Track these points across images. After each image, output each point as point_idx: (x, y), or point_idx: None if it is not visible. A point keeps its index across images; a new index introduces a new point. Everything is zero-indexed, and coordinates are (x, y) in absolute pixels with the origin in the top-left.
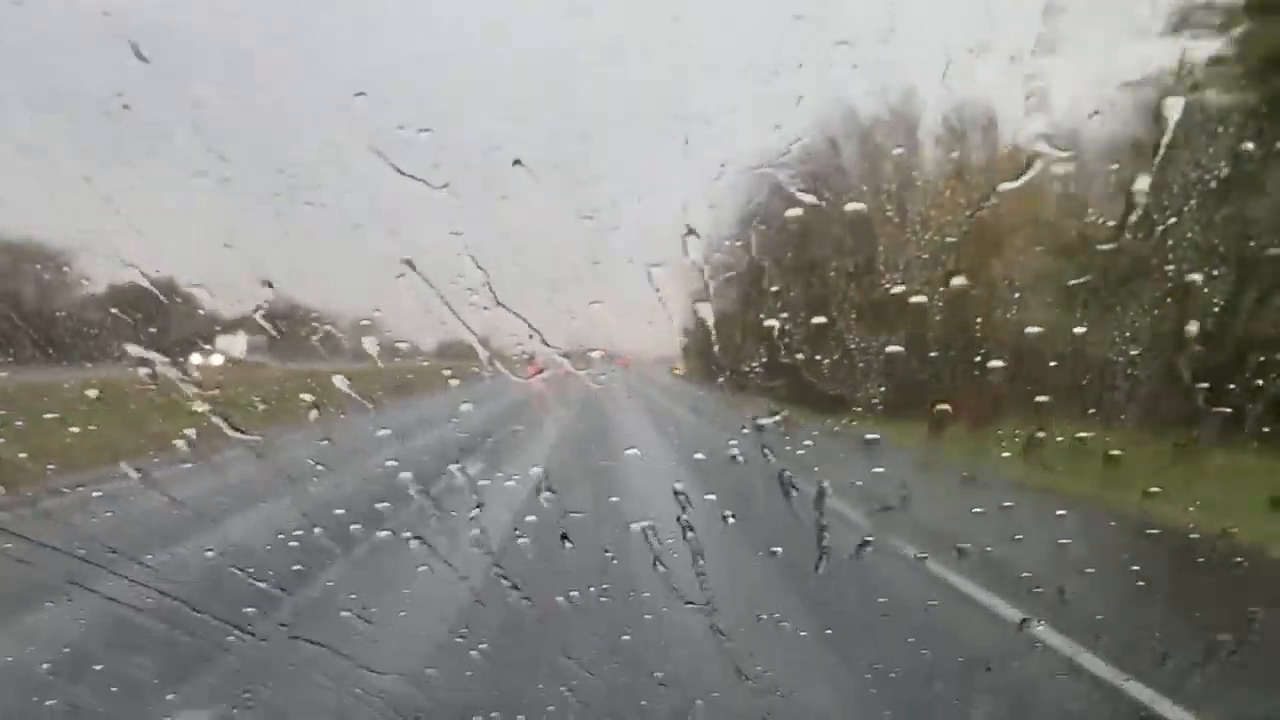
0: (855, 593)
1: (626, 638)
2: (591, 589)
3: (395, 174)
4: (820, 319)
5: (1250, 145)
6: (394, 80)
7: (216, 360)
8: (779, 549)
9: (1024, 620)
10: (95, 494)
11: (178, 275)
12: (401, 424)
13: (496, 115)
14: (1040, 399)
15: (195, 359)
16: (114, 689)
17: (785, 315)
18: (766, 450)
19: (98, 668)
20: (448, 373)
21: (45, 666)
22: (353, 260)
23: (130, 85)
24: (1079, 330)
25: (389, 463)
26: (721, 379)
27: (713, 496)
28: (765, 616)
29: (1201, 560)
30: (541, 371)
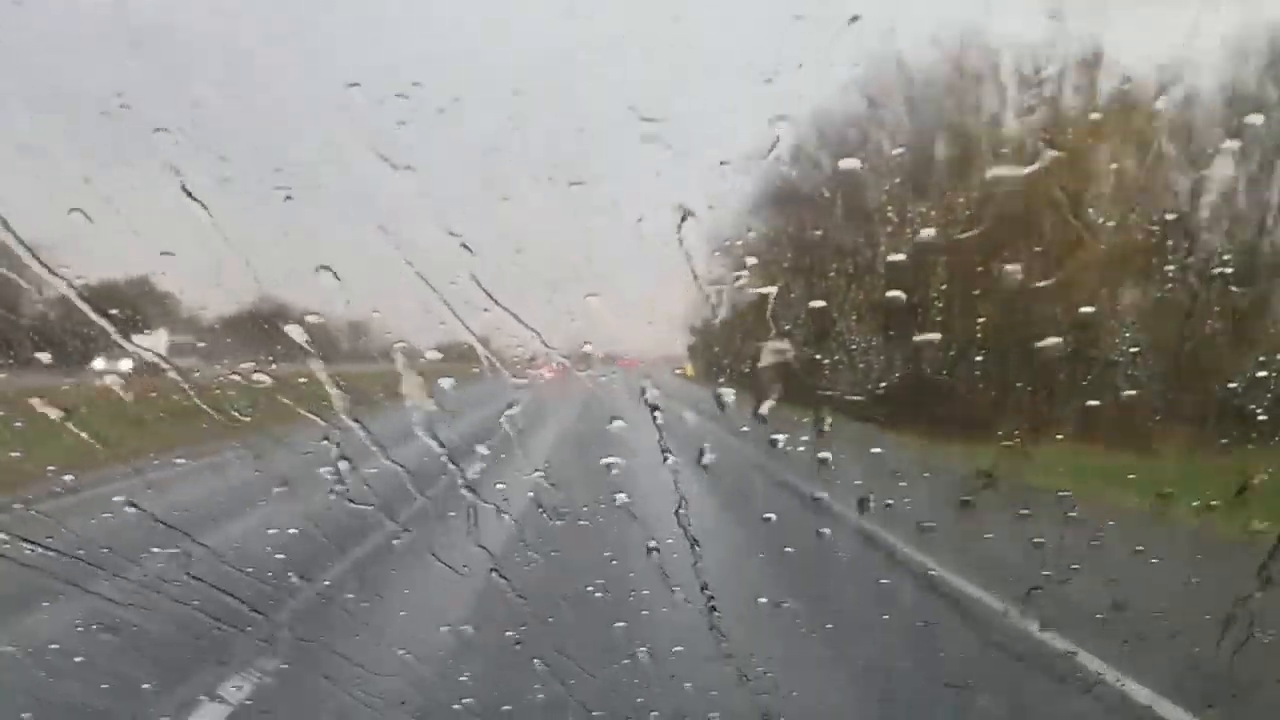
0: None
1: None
2: (589, 588)
3: (395, 174)
4: (821, 319)
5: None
6: (394, 80)
7: (125, 365)
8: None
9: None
10: (93, 496)
11: (175, 276)
12: (400, 425)
13: (496, 115)
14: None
15: (98, 364)
16: (114, 690)
17: (787, 314)
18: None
19: (97, 668)
20: (446, 375)
21: (45, 668)
22: (352, 260)
23: (130, 85)
24: (1086, 310)
25: (387, 463)
26: (723, 379)
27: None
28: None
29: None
30: (542, 373)
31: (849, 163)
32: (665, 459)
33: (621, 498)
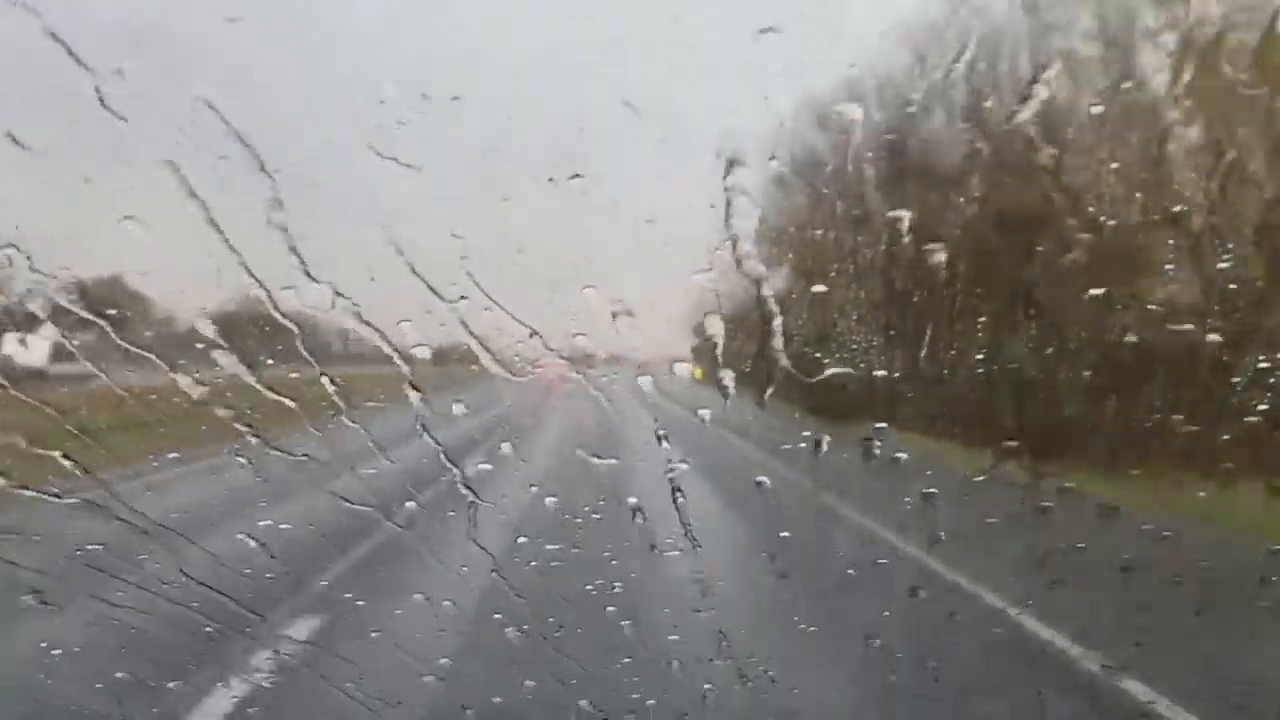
0: None
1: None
2: (588, 587)
3: (395, 174)
4: (823, 318)
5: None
6: (394, 80)
7: None
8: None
9: None
10: (92, 498)
11: (174, 276)
12: (399, 426)
13: (496, 115)
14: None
15: None
16: (112, 691)
17: (789, 316)
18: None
19: (95, 670)
20: (446, 376)
21: (44, 669)
22: (351, 260)
23: (130, 85)
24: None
25: (386, 463)
26: (727, 381)
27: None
28: None
29: None
30: (543, 373)
31: (850, 109)
32: (662, 443)
33: (611, 480)
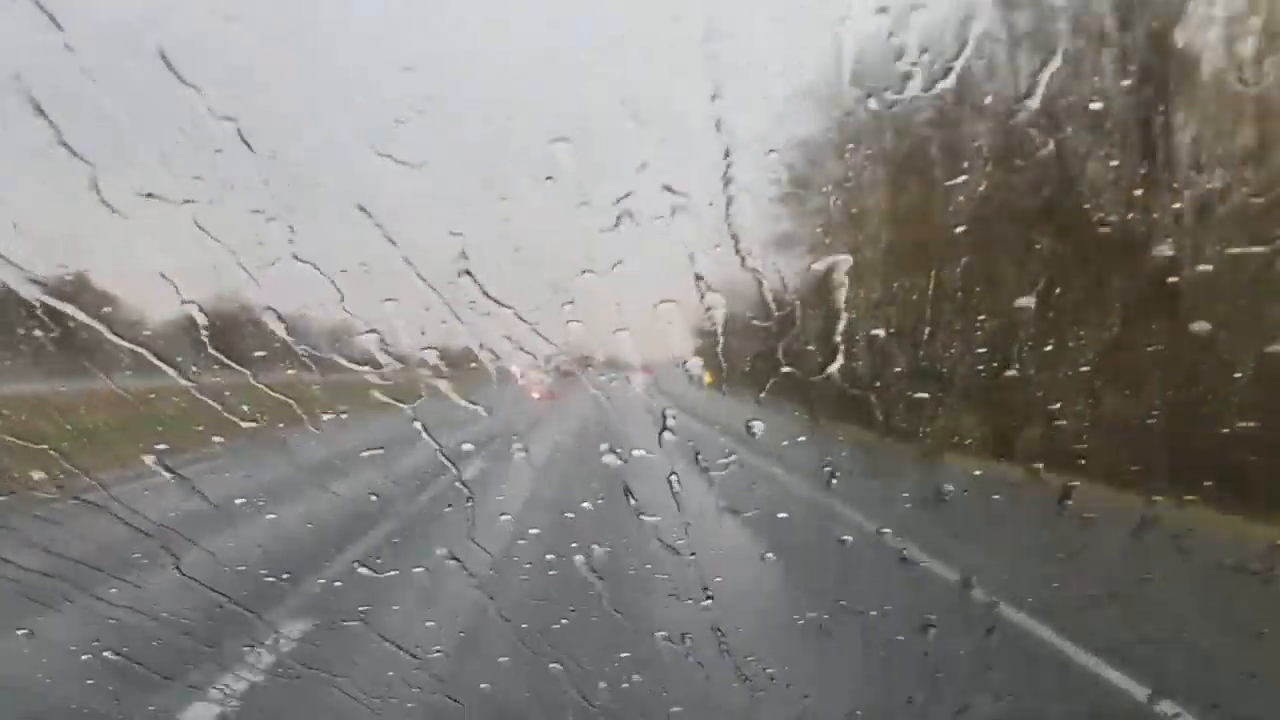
0: None
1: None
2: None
3: (394, 174)
4: (821, 317)
5: None
6: (393, 80)
7: None
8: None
9: None
10: (91, 498)
11: (173, 277)
12: (398, 427)
13: (496, 115)
14: None
15: None
16: (112, 691)
17: (788, 315)
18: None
19: (94, 670)
20: (444, 378)
21: (43, 669)
22: (350, 260)
23: (130, 86)
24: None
25: (386, 462)
26: (725, 378)
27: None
28: None
29: None
30: (543, 374)
31: (850, 105)
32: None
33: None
